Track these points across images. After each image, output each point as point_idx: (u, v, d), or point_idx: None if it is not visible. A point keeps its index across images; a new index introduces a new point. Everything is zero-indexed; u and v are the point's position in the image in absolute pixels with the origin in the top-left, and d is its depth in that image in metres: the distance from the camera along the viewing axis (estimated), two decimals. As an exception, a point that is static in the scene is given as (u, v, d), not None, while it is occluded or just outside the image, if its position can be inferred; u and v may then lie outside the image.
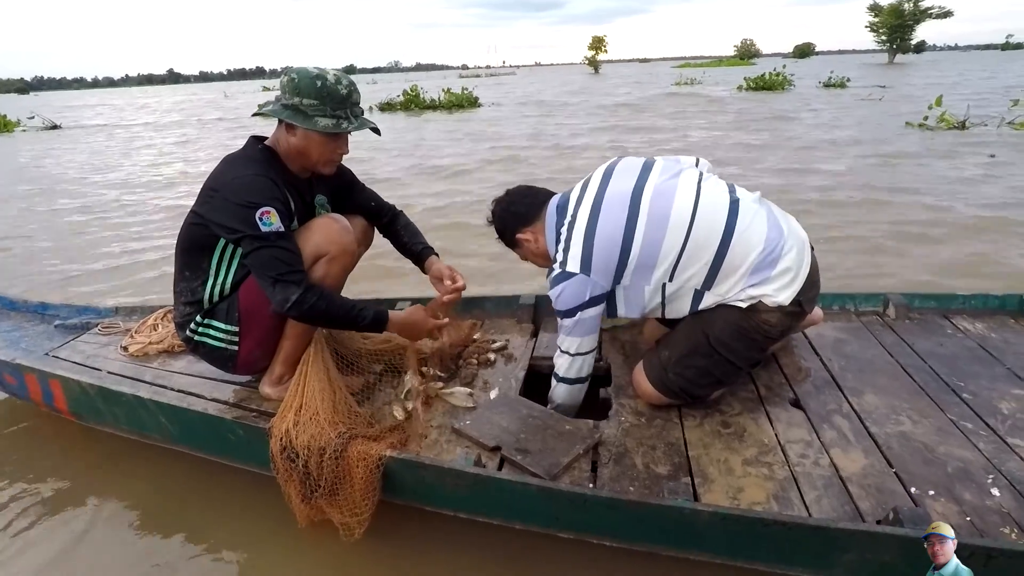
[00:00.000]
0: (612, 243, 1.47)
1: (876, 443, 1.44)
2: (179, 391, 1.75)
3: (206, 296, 1.58)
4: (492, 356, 1.94)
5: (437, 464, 1.37)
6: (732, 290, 1.49)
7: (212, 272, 1.56)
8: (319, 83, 1.46)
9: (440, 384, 1.79)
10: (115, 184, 7.51)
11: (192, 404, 1.65)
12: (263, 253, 1.41)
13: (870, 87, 18.48)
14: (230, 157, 1.53)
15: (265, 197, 1.42)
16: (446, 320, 1.73)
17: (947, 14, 53.55)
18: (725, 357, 1.54)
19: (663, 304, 1.55)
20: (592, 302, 1.50)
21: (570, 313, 1.53)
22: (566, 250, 1.51)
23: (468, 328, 1.94)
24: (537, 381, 1.89)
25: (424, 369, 1.84)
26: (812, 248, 1.58)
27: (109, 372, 1.88)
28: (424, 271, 1.87)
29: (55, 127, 17.61)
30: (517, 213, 1.69)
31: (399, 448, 1.47)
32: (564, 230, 1.55)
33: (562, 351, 1.61)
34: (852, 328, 2.02)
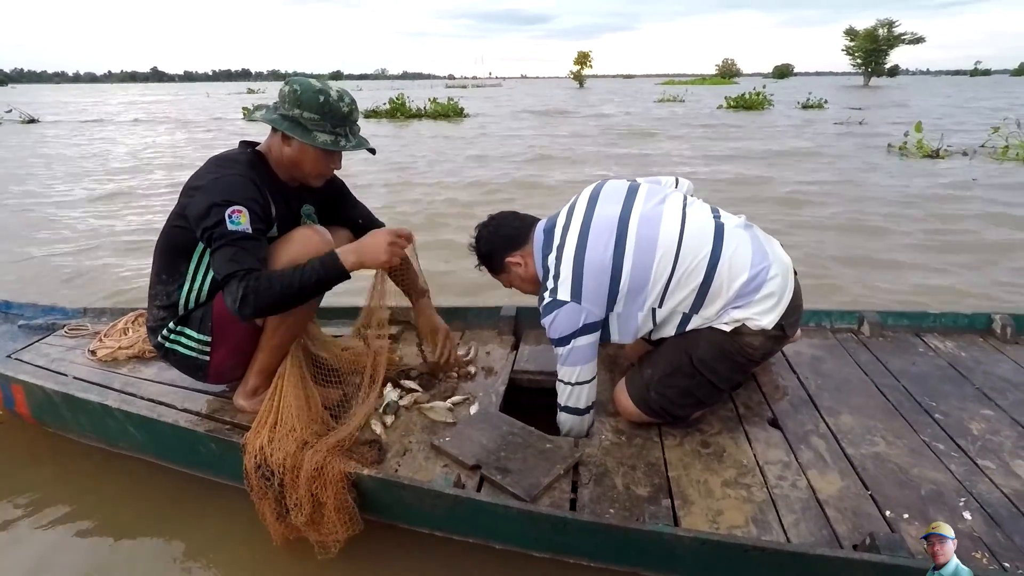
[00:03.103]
0: (602, 270, 1.46)
1: (852, 465, 1.45)
2: (149, 400, 1.69)
3: (181, 301, 1.54)
4: (472, 369, 1.92)
5: (416, 484, 1.34)
6: (716, 313, 1.51)
7: (189, 277, 1.53)
8: (322, 98, 1.45)
9: (417, 391, 1.77)
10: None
11: (163, 415, 1.60)
12: (223, 251, 1.36)
13: (847, 109, 18.95)
14: (215, 157, 1.51)
15: (240, 196, 1.39)
16: (405, 232, 1.55)
17: (919, 40, 55.52)
18: (707, 378, 1.55)
19: (653, 328, 1.57)
20: (585, 329, 1.48)
21: (564, 341, 1.50)
22: (556, 277, 1.50)
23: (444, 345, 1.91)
24: (518, 395, 1.88)
25: (405, 382, 1.82)
26: (795, 273, 1.60)
27: (75, 377, 1.81)
28: (413, 305, 1.88)
29: (32, 121, 17.21)
30: (507, 236, 1.67)
31: (376, 465, 1.44)
32: (552, 257, 1.54)
33: (560, 380, 1.58)
34: (828, 345, 2.05)
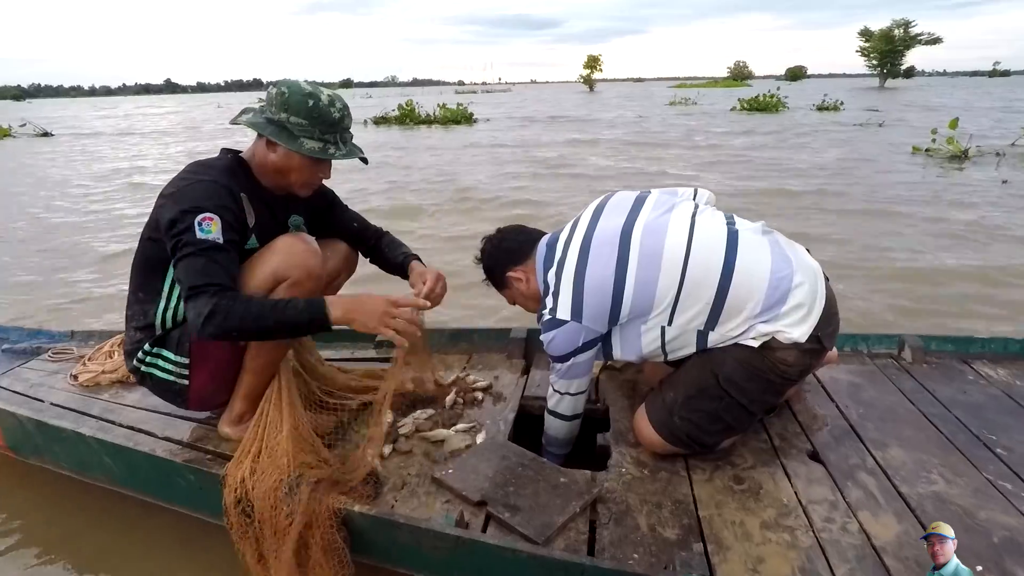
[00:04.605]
0: (603, 289, 1.37)
1: (908, 506, 1.28)
2: (128, 427, 1.56)
3: (157, 321, 1.40)
4: (479, 395, 1.77)
5: (413, 523, 1.20)
6: (739, 329, 1.35)
7: (165, 294, 1.40)
8: (311, 102, 1.33)
9: (422, 416, 1.63)
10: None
11: (139, 443, 1.47)
12: (191, 260, 1.24)
13: (866, 111, 18.60)
14: (192, 163, 1.39)
15: (211, 203, 1.27)
16: (406, 300, 1.35)
17: (936, 40, 54.73)
18: (737, 400, 1.39)
19: (664, 349, 1.43)
20: (585, 347, 1.42)
21: (563, 358, 1.45)
22: (556, 295, 1.42)
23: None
24: (528, 423, 1.72)
25: (417, 414, 1.66)
26: (827, 279, 1.44)
27: (52, 404, 1.69)
28: (405, 276, 1.68)
29: (46, 134, 17.43)
30: (509, 250, 1.60)
31: (370, 501, 1.30)
32: (552, 272, 1.46)
33: (555, 389, 1.53)
34: (866, 372, 1.87)
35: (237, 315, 1.21)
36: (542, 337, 1.45)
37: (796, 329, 1.33)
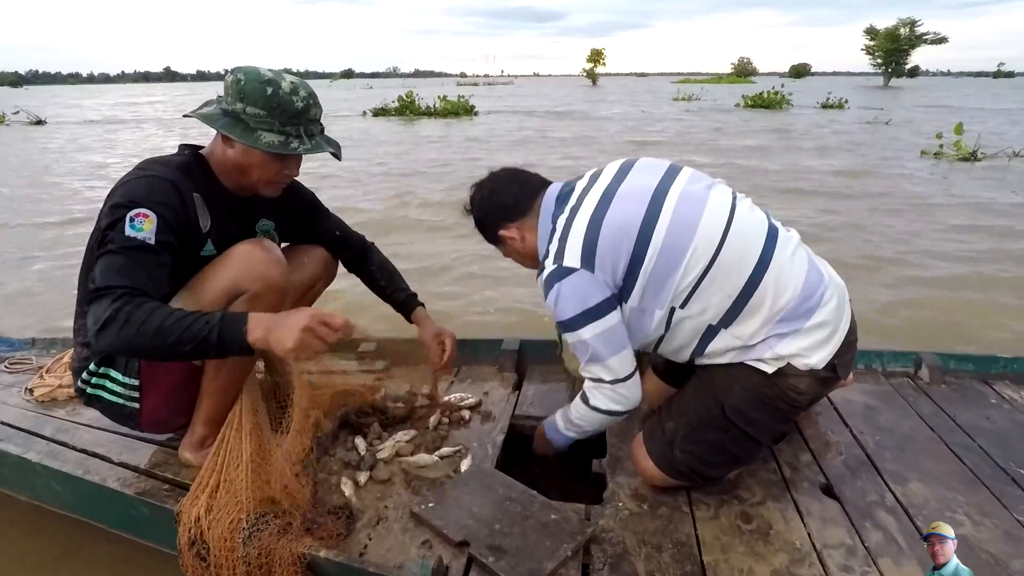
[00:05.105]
0: (623, 236, 1.17)
1: None
2: (81, 451, 1.43)
3: None
4: (467, 414, 1.65)
5: (384, 574, 1.07)
6: (753, 337, 1.21)
7: None
8: (269, 90, 1.18)
9: (403, 438, 1.51)
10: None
11: (90, 471, 1.34)
12: (110, 259, 1.08)
13: (870, 109, 18.40)
14: (145, 160, 1.25)
15: (149, 200, 1.12)
16: (335, 321, 1.11)
17: (942, 40, 54.41)
18: (744, 431, 1.26)
19: (664, 335, 1.27)
20: (600, 310, 1.19)
21: (573, 324, 1.21)
22: (564, 239, 1.21)
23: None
24: (519, 444, 1.60)
25: (398, 437, 1.54)
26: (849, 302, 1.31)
27: (2, 423, 1.55)
28: (410, 321, 1.64)
29: (40, 122, 17.22)
30: (503, 204, 1.37)
31: (341, 539, 1.18)
32: (563, 218, 1.25)
33: (592, 385, 1.30)
34: (882, 392, 1.75)
35: (135, 324, 1.01)
36: (546, 299, 1.24)
37: (815, 354, 1.20)
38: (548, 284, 1.22)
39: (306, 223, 1.55)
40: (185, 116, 1.25)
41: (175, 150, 1.30)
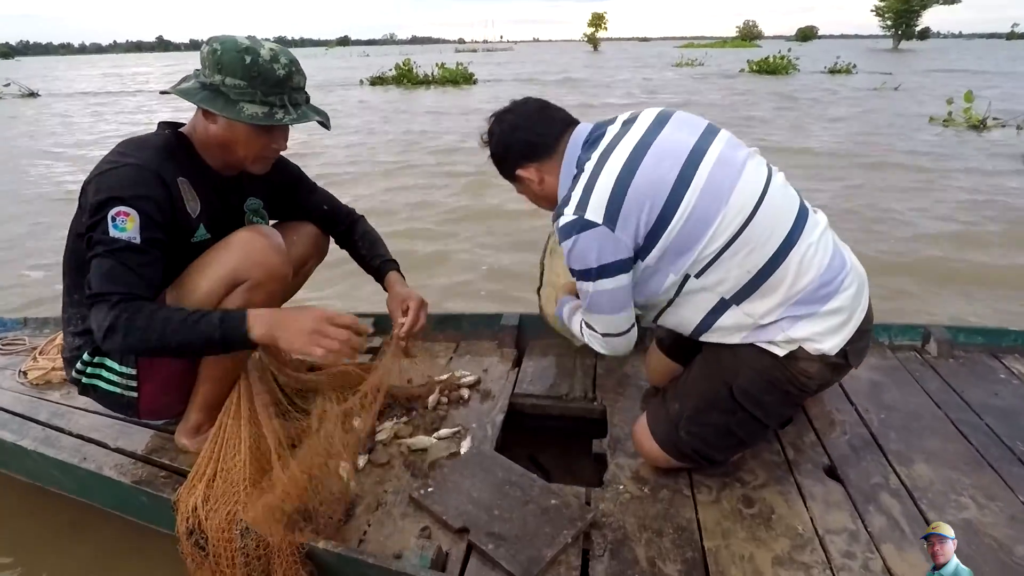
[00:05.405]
0: (652, 198, 1.11)
1: None
2: (77, 436, 1.42)
3: None
4: (465, 393, 1.63)
5: (383, 564, 1.06)
6: (766, 316, 1.17)
7: None
8: (248, 59, 1.12)
9: (402, 420, 1.50)
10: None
11: (87, 458, 1.33)
12: (99, 263, 1.07)
13: (880, 74, 17.96)
14: (123, 142, 1.19)
15: (129, 194, 1.08)
16: (343, 318, 1.14)
17: (954, 0, 52.82)
18: (751, 414, 1.24)
19: (672, 302, 1.23)
20: (612, 270, 1.16)
21: (587, 275, 1.18)
22: (588, 188, 1.15)
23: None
24: (519, 422, 1.59)
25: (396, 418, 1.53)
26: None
27: (-2, 406, 1.54)
28: (384, 288, 1.55)
29: (32, 95, 16.94)
30: (525, 142, 1.29)
31: (341, 525, 1.17)
32: (592, 162, 1.18)
33: (586, 324, 1.31)
34: (889, 367, 1.72)
35: (138, 332, 1.04)
36: (561, 244, 1.20)
37: (829, 339, 1.17)
38: (565, 232, 1.17)
39: (292, 198, 1.50)
40: (163, 93, 1.19)
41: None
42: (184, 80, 1.19)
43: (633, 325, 1.29)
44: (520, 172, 1.31)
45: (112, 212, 1.06)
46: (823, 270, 1.16)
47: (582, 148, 1.24)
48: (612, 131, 1.23)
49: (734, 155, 1.18)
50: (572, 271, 1.21)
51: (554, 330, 1.80)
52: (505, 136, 1.30)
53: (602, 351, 1.33)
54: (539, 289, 1.80)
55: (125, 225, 1.06)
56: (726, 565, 1.10)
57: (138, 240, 1.08)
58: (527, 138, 1.28)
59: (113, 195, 1.07)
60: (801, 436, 1.45)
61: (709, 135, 1.20)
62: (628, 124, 1.23)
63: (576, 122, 1.30)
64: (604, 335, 1.29)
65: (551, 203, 1.31)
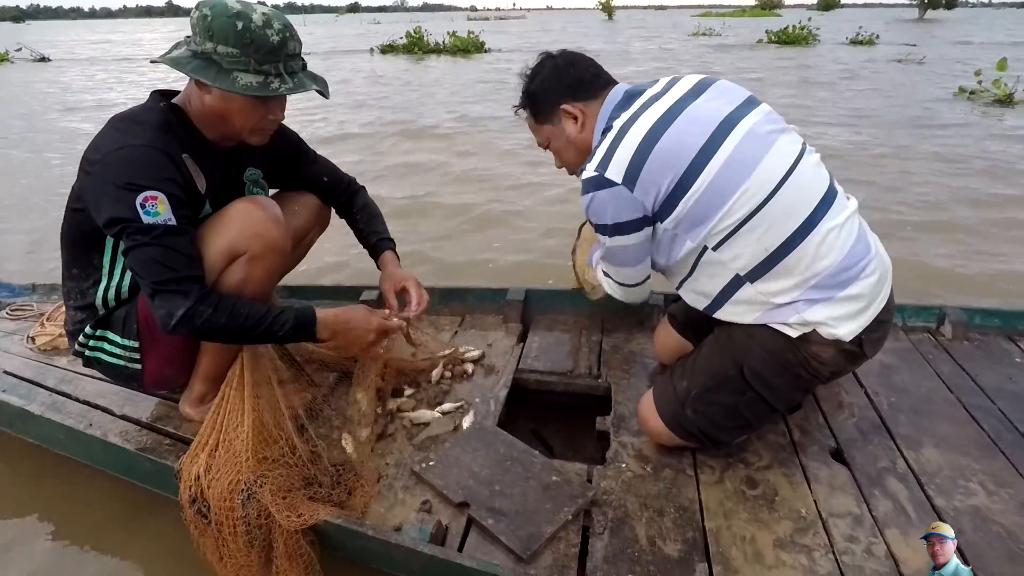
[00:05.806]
0: (675, 162, 1.11)
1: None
2: (84, 402, 1.43)
3: (98, 300, 1.24)
4: (470, 368, 1.62)
5: (383, 536, 1.07)
6: (780, 296, 1.15)
7: (105, 271, 1.22)
8: (239, 25, 1.06)
9: (405, 393, 1.50)
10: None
11: (93, 424, 1.35)
12: (141, 253, 1.07)
13: (904, 46, 17.37)
14: (118, 117, 1.15)
15: (152, 178, 1.06)
16: (395, 320, 1.37)
17: (985, -32, 50.60)
18: (760, 395, 1.22)
19: (690, 274, 1.23)
20: (630, 227, 1.17)
21: (603, 230, 1.21)
22: (613, 146, 1.15)
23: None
24: (523, 397, 1.58)
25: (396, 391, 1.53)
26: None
27: (5, 372, 1.56)
28: (377, 266, 1.54)
29: (44, 59, 16.84)
30: (576, 78, 1.27)
31: (343, 498, 1.18)
32: (622, 121, 1.18)
33: (604, 272, 1.39)
34: (901, 350, 1.69)
35: (220, 321, 1.10)
36: (582, 197, 1.21)
37: (844, 325, 1.14)
38: (586, 187, 1.18)
39: (292, 167, 1.47)
40: (153, 62, 1.15)
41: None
42: (175, 47, 1.14)
43: (648, 277, 1.33)
44: (565, 107, 1.27)
45: (139, 200, 1.04)
46: (844, 254, 1.12)
47: (617, 105, 1.23)
48: (651, 91, 1.22)
49: (766, 130, 1.15)
50: (591, 221, 1.24)
51: (563, 300, 1.78)
52: (558, 70, 1.29)
53: (616, 295, 1.41)
54: (573, 250, 1.78)
55: (157, 209, 1.05)
56: (727, 546, 1.10)
57: (174, 221, 1.08)
58: (580, 75, 1.28)
59: (133, 180, 1.05)
60: (808, 418, 1.43)
61: (747, 107, 1.18)
62: (668, 86, 1.23)
63: (615, 81, 1.30)
64: (620, 284, 1.36)
65: (580, 155, 1.30)
